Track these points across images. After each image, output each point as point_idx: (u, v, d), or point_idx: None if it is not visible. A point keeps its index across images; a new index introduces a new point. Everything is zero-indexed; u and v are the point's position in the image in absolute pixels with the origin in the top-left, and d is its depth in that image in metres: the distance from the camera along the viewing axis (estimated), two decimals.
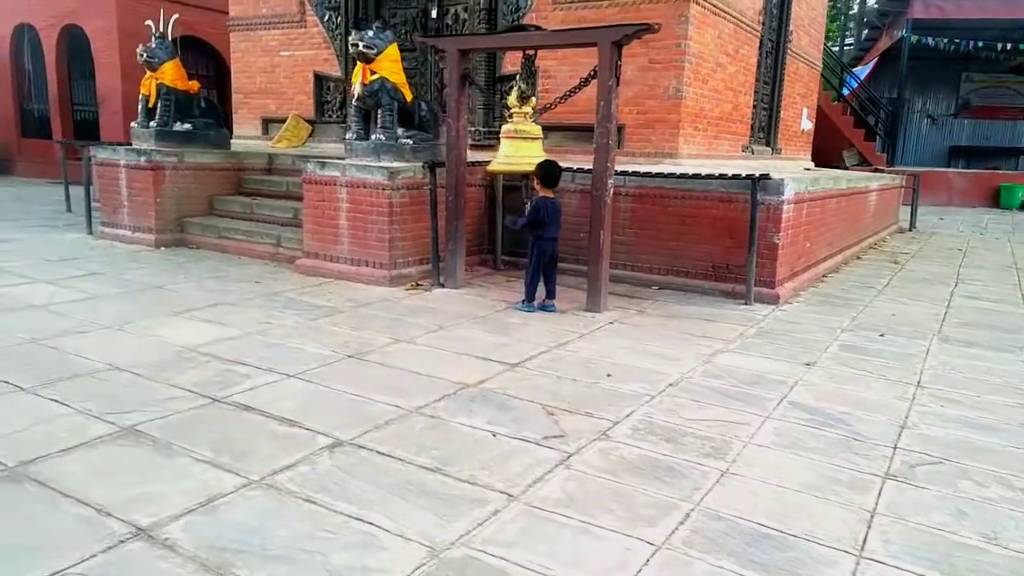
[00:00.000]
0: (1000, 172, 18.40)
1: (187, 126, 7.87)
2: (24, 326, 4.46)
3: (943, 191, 16.93)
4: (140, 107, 7.86)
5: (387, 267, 6.02)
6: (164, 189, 7.49)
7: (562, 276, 5.72)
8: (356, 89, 6.28)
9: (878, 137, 18.62)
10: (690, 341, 4.70)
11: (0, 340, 4.16)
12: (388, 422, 3.20)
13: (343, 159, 6.37)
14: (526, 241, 5.67)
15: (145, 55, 7.55)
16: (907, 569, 2.22)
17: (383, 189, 5.92)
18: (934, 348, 4.77)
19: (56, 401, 3.29)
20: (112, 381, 3.59)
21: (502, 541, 2.28)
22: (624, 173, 6.24)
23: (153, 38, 7.63)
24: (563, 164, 5.63)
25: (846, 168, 15.51)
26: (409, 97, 6.37)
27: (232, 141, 8.74)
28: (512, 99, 5.73)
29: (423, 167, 6.06)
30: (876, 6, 21.13)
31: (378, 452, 2.89)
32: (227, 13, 10.65)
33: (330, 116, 9.78)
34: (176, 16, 7.84)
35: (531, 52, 5.75)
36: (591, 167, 5.47)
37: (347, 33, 8.87)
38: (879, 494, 2.70)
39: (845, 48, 27.12)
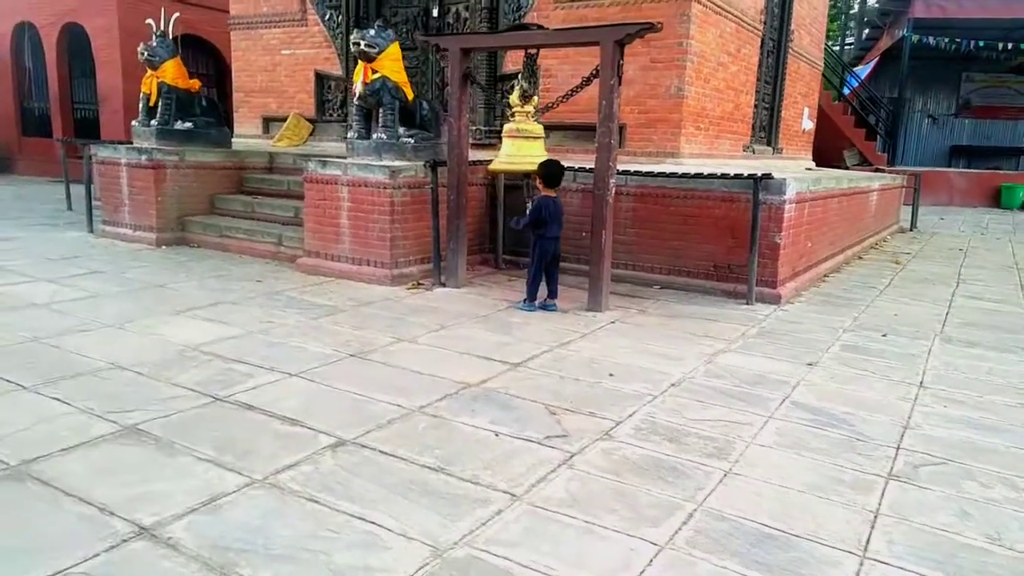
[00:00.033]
0: (1001, 172, 18.40)
1: (188, 125, 7.87)
2: (26, 324, 4.45)
3: (944, 191, 16.93)
4: (141, 106, 7.86)
5: (388, 266, 6.01)
6: (165, 188, 7.48)
7: (563, 275, 5.72)
8: (357, 88, 6.27)
9: (879, 137, 18.61)
10: (692, 341, 4.69)
11: (2, 339, 4.16)
12: (390, 421, 3.20)
13: (344, 158, 6.37)
14: (527, 240, 5.67)
15: (146, 53, 7.54)
16: (911, 570, 2.22)
17: (384, 188, 5.91)
18: (936, 348, 4.77)
19: (58, 400, 3.28)
20: (114, 380, 3.58)
21: (505, 541, 2.27)
22: (626, 172, 6.23)
23: (154, 36, 7.63)
24: (564, 163, 5.62)
25: (847, 168, 15.50)
26: (411, 96, 6.37)
27: (233, 140, 8.74)
28: (514, 98, 5.73)
29: (425, 166, 6.05)
30: (877, 5, 21.12)
31: (381, 451, 2.89)
32: (228, 11, 10.64)
33: (331, 115, 9.77)
34: (177, 15, 7.84)
35: (533, 51, 5.74)
36: (592, 166, 5.46)
37: (348, 32, 8.87)
38: (882, 494, 2.70)
39: (845, 47, 27.11)
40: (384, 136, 6.21)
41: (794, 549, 2.30)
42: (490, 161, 6.13)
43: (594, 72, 5.28)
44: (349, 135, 6.62)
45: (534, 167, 5.47)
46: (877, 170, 13.96)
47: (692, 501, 2.58)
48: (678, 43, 7.15)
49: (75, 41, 14.72)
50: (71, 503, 2.41)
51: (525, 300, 5.40)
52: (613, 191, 5.32)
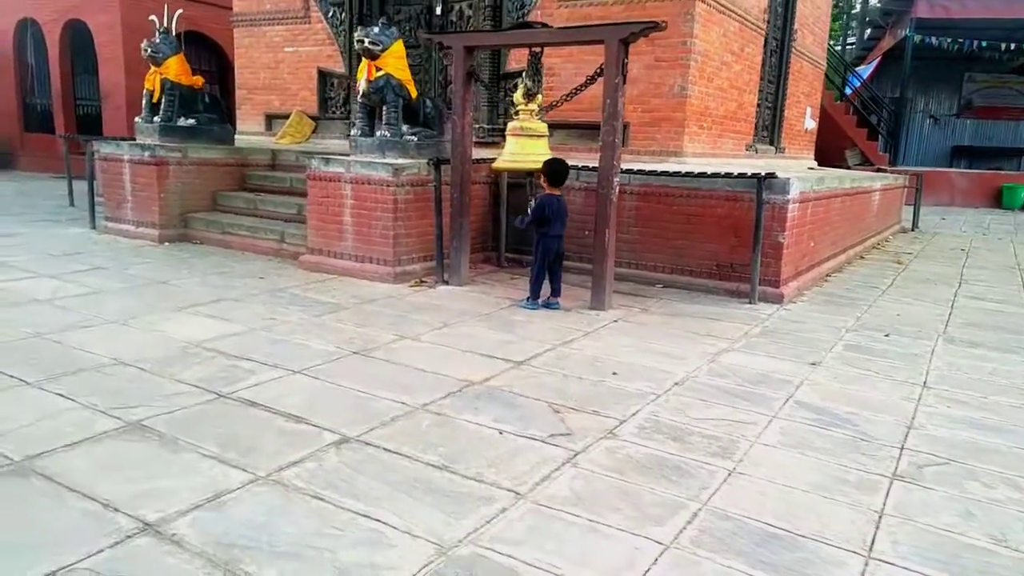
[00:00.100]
0: (1002, 172, 18.38)
1: (191, 121, 7.87)
2: (28, 320, 4.45)
3: (945, 191, 16.91)
4: (144, 102, 7.85)
5: (391, 264, 6.01)
6: (168, 184, 7.48)
7: (566, 274, 5.71)
8: (361, 85, 6.27)
9: (880, 137, 18.59)
10: (695, 340, 4.69)
11: (5, 334, 4.16)
12: (394, 419, 3.19)
13: (347, 155, 6.36)
14: (530, 239, 5.67)
15: (149, 50, 7.54)
16: (916, 570, 2.22)
17: (388, 186, 5.91)
18: (939, 349, 4.76)
19: (61, 396, 3.28)
20: (117, 376, 3.58)
21: (510, 539, 2.27)
22: (629, 171, 6.23)
23: (157, 33, 7.62)
24: (568, 162, 5.61)
25: (848, 168, 15.49)
26: (414, 94, 6.36)
27: (235, 137, 8.73)
28: (518, 96, 5.73)
29: (428, 164, 6.05)
30: (879, 5, 21.07)
31: (385, 449, 2.89)
32: (230, 9, 10.64)
33: (334, 112, 9.77)
34: (180, 11, 7.82)
35: (537, 49, 5.74)
36: (596, 165, 5.46)
37: (351, 29, 8.86)
38: (887, 495, 2.69)
39: (847, 47, 27.07)
40: (388, 134, 6.20)
41: (799, 549, 2.30)
42: (493, 159, 6.13)
43: (598, 71, 5.27)
44: (352, 132, 6.62)
45: (538, 165, 5.47)
46: (879, 170, 13.94)
47: (696, 500, 2.58)
48: (682, 42, 7.15)
49: (78, 37, 14.72)
50: (75, 499, 2.41)
51: (528, 298, 5.40)
52: (617, 190, 5.32)
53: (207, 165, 7.85)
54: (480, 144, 7.58)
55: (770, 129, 10.25)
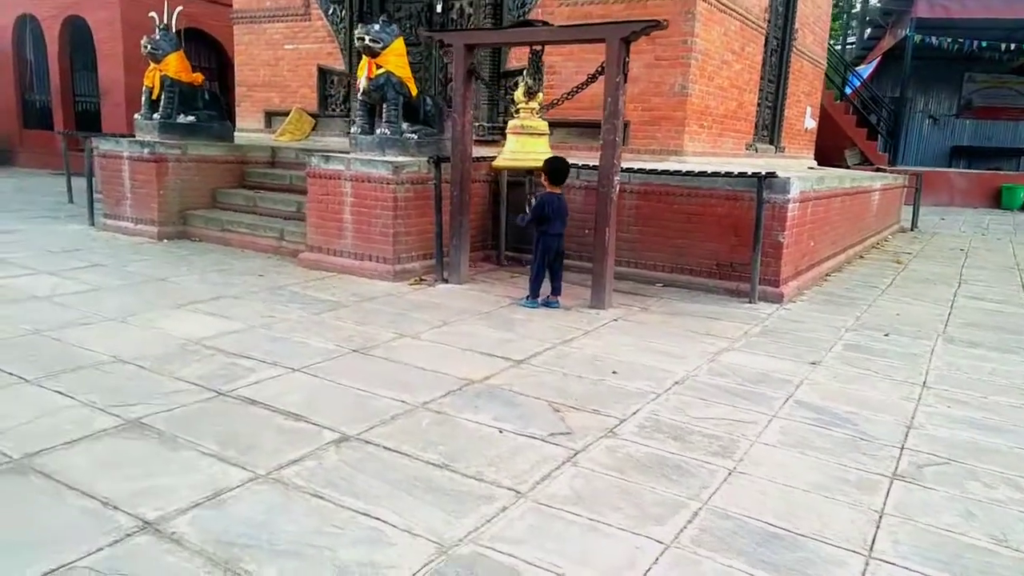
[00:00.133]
0: (1002, 173, 18.39)
1: (191, 118, 7.85)
2: (27, 317, 4.44)
3: (944, 191, 16.91)
4: (144, 99, 7.83)
5: (391, 262, 6.00)
6: (167, 181, 7.46)
7: (565, 273, 5.69)
8: (361, 83, 6.25)
9: (880, 136, 18.59)
10: (695, 339, 4.69)
11: (3, 331, 4.15)
12: (394, 417, 3.19)
13: (347, 153, 6.35)
14: (530, 237, 5.66)
15: (149, 47, 7.52)
16: (917, 570, 2.21)
17: (388, 183, 5.90)
18: (939, 348, 4.76)
19: (60, 393, 3.28)
20: (116, 373, 3.57)
21: (511, 538, 2.27)
22: (629, 170, 6.23)
23: (157, 30, 7.60)
24: (568, 160, 5.60)
25: (848, 167, 15.49)
26: (414, 92, 6.35)
27: (235, 134, 8.72)
28: (519, 94, 5.71)
29: (428, 162, 6.04)
30: (879, 5, 21.07)
31: (384, 447, 2.88)
32: (230, 5, 10.62)
33: (333, 110, 9.76)
34: (180, 8, 7.80)
35: (538, 48, 5.73)
36: (596, 164, 5.45)
37: (351, 27, 8.85)
38: (887, 494, 2.69)
39: (847, 47, 27.06)
40: (388, 131, 6.19)
41: (800, 548, 2.30)
42: (493, 157, 6.12)
43: (599, 69, 5.26)
44: (352, 130, 6.61)
45: (538, 164, 5.46)
46: (878, 170, 13.94)
47: (697, 499, 2.58)
48: (683, 41, 7.14)
49: (77, 34, 14.69)
50: (74, 497, 2.41)
51: (528, 297, 5.39)
52: (617, 188, 5.31)
53: (206, 162, 7.83)
54: (480, 142, 7.57)
55: (770, 128, 10.24)
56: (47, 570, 2.01)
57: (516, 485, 2.62)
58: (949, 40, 17.64)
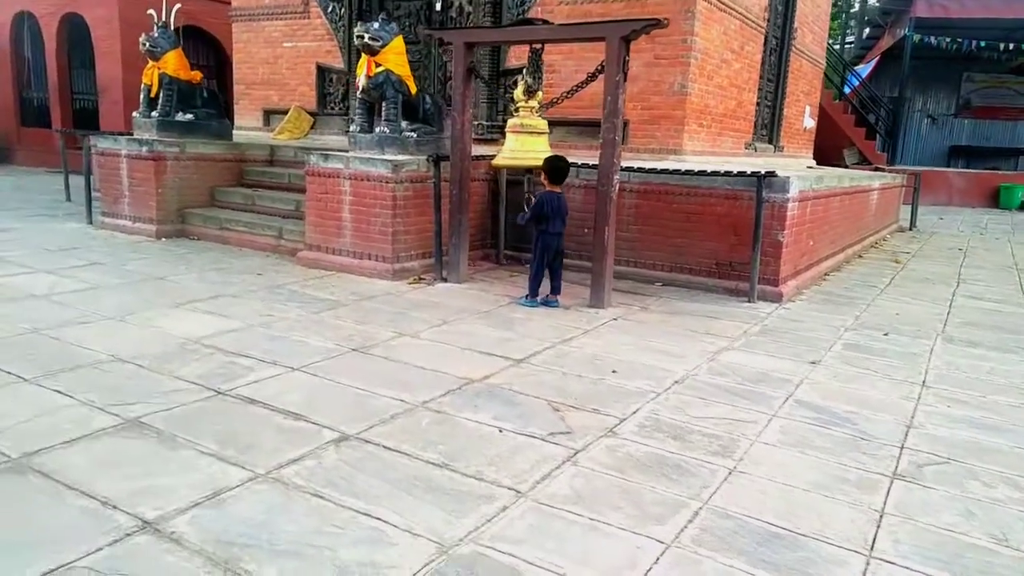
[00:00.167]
0: (1000, 172, 18.41)
1: (189, 116, 7.83)
2: (25, 316, 4.43)
3: (943, 191, 16.93)
4: (142, 97, 7.81)
5: (390, 260, 6.00)
6: (166, 179, 7.45)
7: (564, 272, 5.69)
8: (361, 81, 6.24)
9: (878, 136, 18.61)
10: (694, 338, 4.68)
11: (2, 330, 4.13)
12: (394, 416, 3.18)
13: (346, 151, 6.34)
14: (529, 236, 5.66)
15: (148, 44, 7.50)
16: (918, 570, 2.21)
17: (387, 182, 5.89)
18: (938, 348, 4.76)
19: (59, 392, 3.27)
20: (115, 372, 3.56)
21: (511, 538, 2.26)
22: (629, 169, 6.22)
23: (156, 27, 7.59)
24: (568, 159, 5.60)
25: (846, 167, 15.50)
26: (414, 90, 6.34)
27: (233, 132, 8.70)
28: (518, 93, 5.71)
29: (427, 160, 6.03)
30: (878, 5, 21.07)
31: (384, 447, 2.88)
32: (229, 3, 10.60)
33: (332, 108, 9.74)
34: (178, 5, 7.78)
35: (538, 46, 5.72)
36: (596, 163, 5.44)
37: (350, 25, 8.84)
38: (887, 494, 2.69)
39: (846, 46, 27.07)
40: (387, 130, 6.18)
41: (800, 548, 2.29)
42: (493, 156, 6.11)
43: (599, 68, 5.26)
44: (351, 129, 6.60)
45: (538, 163, 5.46)
46: (877, 169, 13.96)
47: (697, 499, 2.57)
48: (682, 40, 7.13)
49: (75, 31, 14.64)
50: (73, 496, 2.40)
51: (527, 296, 5.39)
52: (617, 187, 5.30)
53: (205, 160, 7.82)
54: (479, 141, 7.56)
55: (769, 127, 10.24)
56: (46, 570, 2.00)
57: (516, 484, 2.61)
58: (948, 40, 17.65)
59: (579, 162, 6.32)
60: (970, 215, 15.11)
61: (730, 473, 2.79)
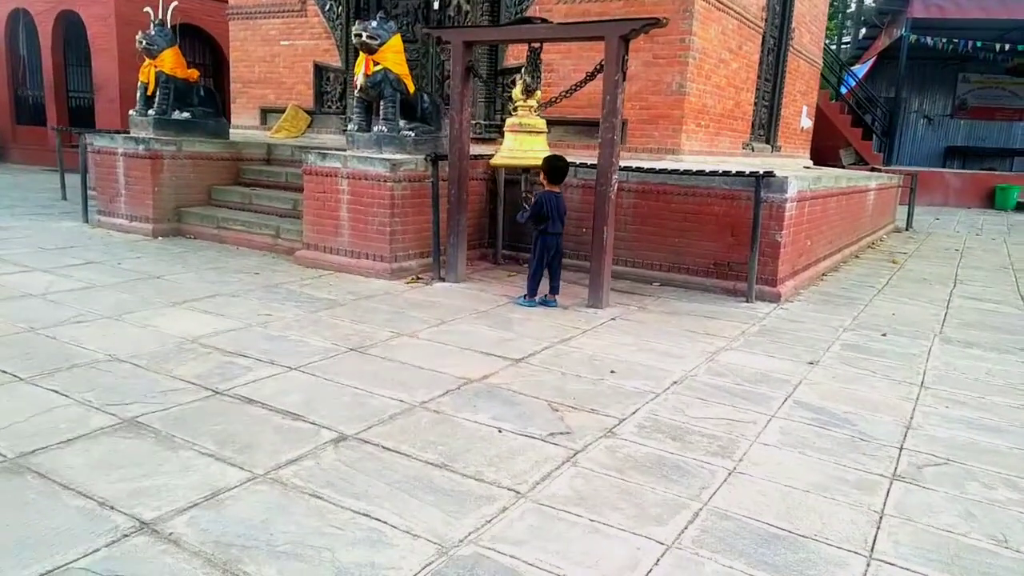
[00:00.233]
0: (996, 173, 18.46)
1: (186, 115, 7.81)
2: (21, 315, 4.41)
3: (939, 191, 16.97)
4: (139, 95, 7.78)
5: (388, 260, 5.98)
6: (162, 178, 7.42)
7: (562, 271, 5.68)
8: (359, 80, 6.22)
9: (875, 136, 18.64)
10: (693, 338, 4.68)
11: None
12: (392, 416, 3.17)
13: (344, 150, 6.32)
14: (527, 235, 5.65)
15: (144, 42, 7.47)
16: (918, 571, 2.21)
17: (385, 181, 5.87)
18: (936, 349, 4.77)
19: (56, 392, 3.25)
20: (112, 372, 3.54)
21: (511, 539, 2.26)
22: (627, 169, 6.21)
23: (152, 25, 7.55)
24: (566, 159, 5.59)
25: (843, 167, 15.53)
26: (412, 89, 6.33)
27: (230, 131, 8.67)
28: (517, 92, 5.70)
29: (425, 160, 6.02)
30: (875, 5, 21.12)
31: (383, 447, 2.87)
32: (225, 1, 10.57)
33: (329, 107, 9.72)
34: (175, 3, 7.75)
35: (536, 45, 5.70)
36: (594, 162, 5.44)
37: (348, 23, 8.81)
38: (887, 495, 2.69)
39: (842, 47, 27.11)
40: (385, 129, 6.17)
41: (801, 549, 2.29)
42: (491, 155, 6.10)
43: (598, 67, 5.25)
44: (349, 127, 6.58)
45: (536, 162, 5.45)
46: (873, 169, 13.98)
47: (697, 500, 2.57)
48: (680, 39, 7.13)
49: (71, 29, 14.58)
50: (70, 497, 2.38)
51: (525, 296, 5.38)
52: (615, 187, 5.30)
53: (202, 159, 7.79)
54: (477, 140, 7.55)
55: (767, 127, 10.25)
56: (43, 571, 1.99)
57: (516, 485, 2.60)
58: (944, 40, 17.70)
59: (577, 162, 6.31)
60: (966, 216, 15.15)
61: (730, 474, 2.79)
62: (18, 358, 3.64)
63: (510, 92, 6.20)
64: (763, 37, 9.25)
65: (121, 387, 3.34)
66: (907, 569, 2.22)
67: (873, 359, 4.44)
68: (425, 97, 6.58)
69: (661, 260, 6.35)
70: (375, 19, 6.11)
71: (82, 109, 14.93)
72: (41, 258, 6.08)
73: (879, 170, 13.83)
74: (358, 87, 6.27)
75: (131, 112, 7.85)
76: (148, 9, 7.64)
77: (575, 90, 5.80)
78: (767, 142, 10.28)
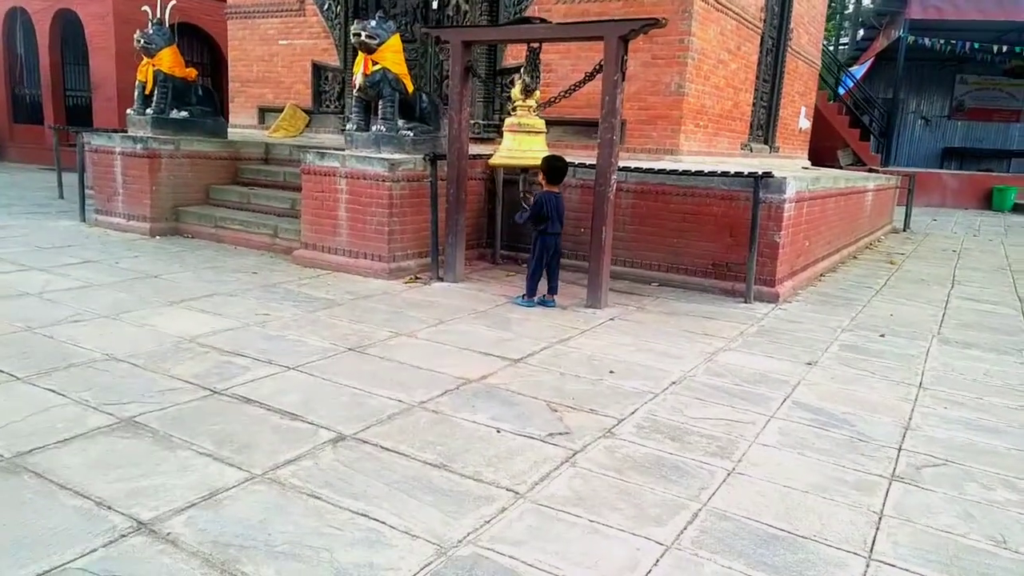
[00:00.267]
0: (993, 174, 18.50)
1: (184, 114, 7.79)
2: (18, 314, 4.39)
3: (936, 192, 17.00)
4: (137, 94, 7.76)
5: (386, 260, 5.97)
6: (160, 177, 7.40)
7: (561, 271, 5.68)
8: (357, 79, 6.22)
9: (873, 137, 18.66)
10: (691, 339, 4.68)
11: None
12: (391, 416, 3.17)
13: (343, 150, 6.31)
14: (526, 235, 5.65)
15: (142, 41, 7.45)
16: (917, 571, 2.21)
17: (383, 181, 5.87)
18: (934, 349, 4.77)
19: (53, 391, 3.24)
20: (109, 371, 3.53)
21: (510, 539, 2.25)
22: (626, 169, 6.21)
23: (150, 24, 7.53)
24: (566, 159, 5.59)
25: (841, 167, 15.55)
26: (411, 88, 6.32)
27: (228, 130, 8.66)
28: (516, 92, 5.69)
29: (424, 159, 6.01)
30: (873, 6, 21.17)
31: (381, 447, 2.86)
32: (224, 0, 10.53)
33: (328, 106, 9.70)
34: (173, 2, 7.73)
35: (536, 45, 5.70)
36: (592, 162, 5.43)
37: (346, 23, 8.80)
38: (886, 495, 2.69)
39: (840, 48, 27.15)
40: (383, 128, 6.16)
41: (800, 550, 2.29)
42: (489, 155, 6.10)
43: (597, 67, 5.24)
44: (348, 127, 6.57)
45: (535, 162, 5.44)
46: (871, 170, 14.01)
47: (696, 500, 2.57)
48: (679, 40, 7.13)
49: (68, 27, 14.55)
50: (67, 496, 2.37)
51: (524, 296, 5.38)
52: (614, 187, 5.29)
53: (200, 158, 7.77)
54: (476, 140, 7.54)
55: (765, 128, 10.25)
56: (41, 571, 1.98)
57: (515, 486, 2.60)
58: (941, 41, 17.73)
59: (576, 162, 6.31)
60: (963, 217, 15.17)
61: (729, 474, 2.79)
62: (15, 357, 3.63)
63: (509, 92, 6.20)
64: (762, 38, 9.26)
65: (118, 386, 3.33)
66: (906, 570, 2.22)
67: (871, 360, 4.44)
68: (424, 97, 6.57)
69: (660, 260, 6.35)
70: (374, 19, 6.10)
71: (79, 108, 14.90)
72: (38, 257, 6.06)
73: (877, 171, 13.85)
74: (357, 87, 6.26)
75: (129, 111, 7.83)
76: (146, 8, 7.62)
77: (574, 90, 5.79)
78: (765, 143, 10.29)
